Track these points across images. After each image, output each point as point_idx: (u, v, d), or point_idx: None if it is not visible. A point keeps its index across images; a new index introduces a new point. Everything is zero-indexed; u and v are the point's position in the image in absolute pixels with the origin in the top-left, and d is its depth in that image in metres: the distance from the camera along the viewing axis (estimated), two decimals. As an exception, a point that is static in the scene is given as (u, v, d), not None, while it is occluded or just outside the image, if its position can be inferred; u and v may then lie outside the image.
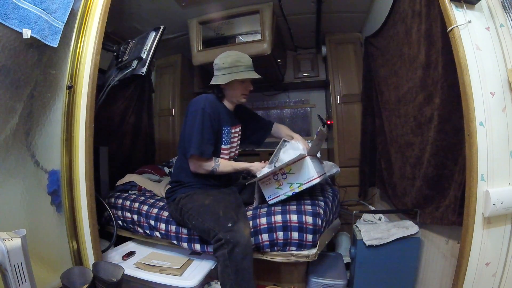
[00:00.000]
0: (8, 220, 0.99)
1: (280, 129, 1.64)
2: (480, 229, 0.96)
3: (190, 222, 1.29)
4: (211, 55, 2.17)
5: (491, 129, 0.95)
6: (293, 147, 1.46)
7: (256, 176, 1.35)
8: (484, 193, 0.94)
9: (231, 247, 1.09)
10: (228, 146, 1.45)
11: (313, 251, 1.29)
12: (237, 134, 1.52)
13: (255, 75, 1.38)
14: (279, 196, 1.35)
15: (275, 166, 1.34)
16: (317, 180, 1.28)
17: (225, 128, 1.42)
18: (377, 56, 1.90)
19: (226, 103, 1.47)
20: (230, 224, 1.15)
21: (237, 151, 1.56)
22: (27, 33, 0.96)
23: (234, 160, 1.54)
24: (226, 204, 1.27)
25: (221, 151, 1.42)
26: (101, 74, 1.43)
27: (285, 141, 1.52)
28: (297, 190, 1.32)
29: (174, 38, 2.43)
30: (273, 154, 1.48)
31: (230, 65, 1.35)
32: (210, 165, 1.35)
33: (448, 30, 0.99)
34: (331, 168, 1.55)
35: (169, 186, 1.52)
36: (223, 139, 1.42)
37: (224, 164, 1.38)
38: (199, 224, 1.24)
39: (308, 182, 1.29)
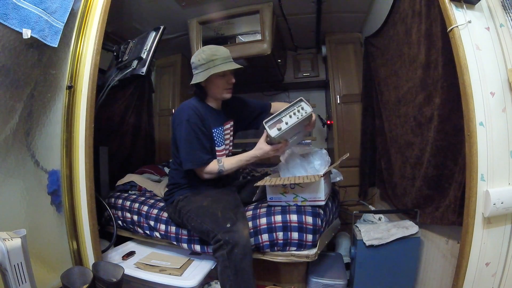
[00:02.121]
0: (8, 220, 0.99)
1: (280, 107, 1.62)
2: (480, 229, 0.96)
3: (189, 224, 1.29)
4: (211, 55, 2.18)
5: (491, 129, 0.95)
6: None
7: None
8: (484, 193, 0.94)
9: (230, 248, 1.09)
10: (222, 146, 1.43)
11: (313, 251, 1.29)
12: (228, 131, 1.49)
13: (234, 66, 1.30)
14: (280, 201, 1.36)
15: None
16: (322, 203, 1.31)
17: (215, 129, 1.39)
18: (377, 56, 1.90)
19: (211, 102, 1.42)
20: (228, 225, 1.14)
21: (231, 147, 1.53)
22: (27, 33, 0.96)
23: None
24: (224, 204, 1.27)
25: (217, 153, 1.40)
26: (101, 74, 1.43)
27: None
28: (299, 204, 1.33)
29: (174, 38, 2.44)
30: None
31: (206, 61, 1.29)
32: (214, 168, 1.31)
33: (448, 30, 0.99)
34: (335, 176, 1.55)
35: (166, 189, 1.51)
36: (216, 141, 1.39)
37: (229, 162, 1.32)
38: (198, 226, 1.23)
39: (313, 201, 1.32)
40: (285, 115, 1.25)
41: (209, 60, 1.28)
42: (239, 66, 1.32)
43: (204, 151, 1.30)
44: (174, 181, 1.44)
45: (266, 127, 1.24)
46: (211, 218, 1.20)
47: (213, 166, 1.31)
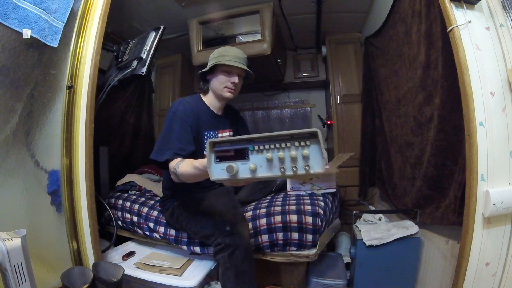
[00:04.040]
0: (8, 220, 0.99)
1: None
2: (480, 229, 0.96)
3: (188, 229, 1.29)
4: (211, 55, 2.18)
5: (491, 129, 0.95)
6: None
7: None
8: (484, 193, 0.94)
9: (232, 250, 1.08)
10: None
11: (313, 251, 1.29)
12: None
13: (239, 65, 1.27)
14: (300, 190, 1.54)
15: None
16: (334, 190, 1.54)
17: (207, 132, 1.33)
18: (377, 56, 1.90)
19: (212, 102, 1.36)
20: (228, 228, 1.13)
21: None
22: (27, 33, 0.96)
23: None
24: (221, 207, 1.25)
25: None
26: (101, 74, 1.43)
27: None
28: (316, 191, 1.52)
29: (174, 38, 2.43)
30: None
31: (218, 55, 1.30)
32: (171, 167, 1.09)
33: (448, 30, 0.99)
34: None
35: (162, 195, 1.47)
36: (205, 145, 1.27)
37: (185, 164, 1.01)
38: (198, 231, 1.23)
39: (327, 188, 1.53)
40: (260, 153, 0.65)
41: (220, 55, 1.29)
42: (245, 67, 1.30)
43: (176, 147, 1.14)
44: (167, 186, 1.41)
45: (208, 153, 0.69)
46: (210, 222, 1.19)
47: (171, 164, 1.09)
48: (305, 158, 0.62)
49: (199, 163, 0.92)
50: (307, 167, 0.62)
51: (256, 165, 0.66)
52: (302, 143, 0.62)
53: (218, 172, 0.68)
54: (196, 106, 1.31)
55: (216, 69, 1.30)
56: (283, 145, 0.63)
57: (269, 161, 0.65)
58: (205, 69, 1.31)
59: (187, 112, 1.25)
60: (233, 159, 0.67)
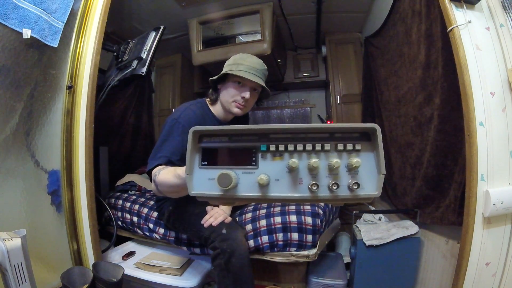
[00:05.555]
0: (8, 220, 0.99)
1: None
2: (480, 229, 0.96)
3: (186, 232, 1.29)
4: (211, 55, 2.18)
5: (491, 129, 0.95)
6: None
7: None
8: (484, 193, 0.94)
9: (228, 257, 1.06)
10: None
11: (313, 251, 1.29)
12: None
13: (252, 77, 1.11)
14: None
15: None
16: None
17: None
18: (377, 56, 1.90)
19: (219, 112, 1.23)
20: (224, 231, 1.12)
21: None
22: (27, 33, 0.96)
23: None
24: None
25: None
26: (101, 74, 1.43)
27: None
28: None
29: (174, 38, 2.44)
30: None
31: (232, 62, 1.16)
32: (153, 174, 0.87)
33: (448, 30, 0.99)
34: None
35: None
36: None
37: (166, 172, 0.79)
38: (195, 233, 1.22)
39: None
40: (278, 157, 0.42)
41: (235, 63, 1.15)
42: (261, 81, 1.14)
43: (172, 156, 1.02)
44: None
45: (190, 150, 0.43)
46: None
47: (154, 171, 0.89)
48: (352, 170, 0.41)
49: (183, 170, 0.63)
50: (355, 186, 0.40)
51: (270, 178, 0.41)
52: (350, 147, 0.41)
53: (203, 183, 0.43)
54: (201, 115, 1.19)
55: (228, 78, 1.16)
56: (318, 146, 0.40)
57: (292, 171, 0.41)
58: (215, 77, 1.16)
59: (191, 122, 1.12)
60: (230, 163, 0.42)
